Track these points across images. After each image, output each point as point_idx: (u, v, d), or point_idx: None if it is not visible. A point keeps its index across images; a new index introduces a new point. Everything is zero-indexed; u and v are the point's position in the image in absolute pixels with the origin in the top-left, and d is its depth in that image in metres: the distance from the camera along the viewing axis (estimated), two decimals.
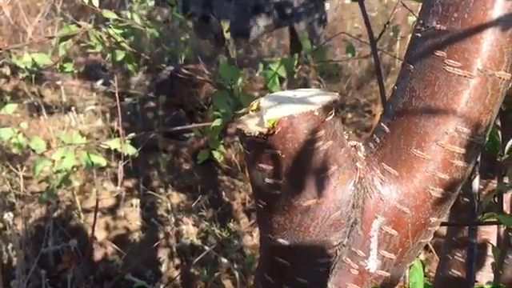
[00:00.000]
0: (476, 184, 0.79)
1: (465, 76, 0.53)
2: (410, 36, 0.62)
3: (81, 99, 3.24)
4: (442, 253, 1.02)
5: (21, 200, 2.28)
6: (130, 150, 1.56)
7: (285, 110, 0.54)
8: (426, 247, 1.96)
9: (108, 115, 2.97)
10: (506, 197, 0.84)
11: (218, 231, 2.21)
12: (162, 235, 2.20)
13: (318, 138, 0.54)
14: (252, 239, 2.22)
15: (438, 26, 0.54)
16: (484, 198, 0.80)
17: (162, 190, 2.48)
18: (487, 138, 0.58)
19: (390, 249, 0.59)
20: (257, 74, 3.33)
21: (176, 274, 2.03)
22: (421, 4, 0.59)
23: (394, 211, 0.58)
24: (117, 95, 1.61)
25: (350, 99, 3.36)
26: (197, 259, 2.03)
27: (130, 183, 2.50)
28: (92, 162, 1.47)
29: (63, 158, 1.44)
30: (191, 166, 2.67)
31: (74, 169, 1.54)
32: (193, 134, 2.73)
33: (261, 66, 1.90)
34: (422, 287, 0.60)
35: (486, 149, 0.74)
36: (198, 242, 2.17)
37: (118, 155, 2.49)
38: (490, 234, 0.93)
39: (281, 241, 0.60)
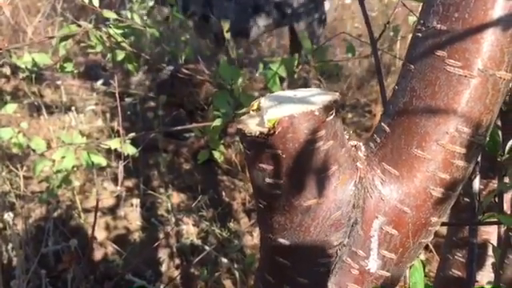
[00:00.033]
0: (476, 184, 0.79)
1: (465, 76, 0.53)
2: (410, 36, 0.62)
3: (81, 99, 3.24)
4: (443, 253, 1.02)
5: (21, 200, 2.28)
6: (130, 150, 1.56)
7: (285, 110, 0.54)
8: (427, 247, 1.96)
9: (108, 115, 2.97)
10: (507, 197, 0.84)
11: (218, 231, 2.21)
12: (162, 235, 2.20)
13: (319, 137, 0.54)
14: (252, 239, 2.22)
15: (439, 25, 0.54)
16: (484, 197, 0.80)
17: (162, 190, 2.48)
18: (488, 138, 0.58)
19: (390, 249, 0.59)
20: (257, 74, 3.33)
21: (176, 273, 2.03)
22: (421, 4, 0.59)
23: (395, 211, 0.58)
24: (117, 95, 1.61)
25: (350, 99, 3.36)
26: (197, 259, 2.03)
27: (130, 183, 2.49)
28: (92, 162, 1.47)
29: (63, 157, 1.44)
30: (191, 166, 2.67)
31: (74, 169, 1.54)
32: (193, 134, 2.72)
33: (261, 65, 1.89)
34: (422, 287, 0.60)
35: (487, 149, 0.74)
36: (198, 242, 2.17)
37: (118, 155, 2.48)
38: (490, 233, 0.93)
39: (281, 241, 0.60)
